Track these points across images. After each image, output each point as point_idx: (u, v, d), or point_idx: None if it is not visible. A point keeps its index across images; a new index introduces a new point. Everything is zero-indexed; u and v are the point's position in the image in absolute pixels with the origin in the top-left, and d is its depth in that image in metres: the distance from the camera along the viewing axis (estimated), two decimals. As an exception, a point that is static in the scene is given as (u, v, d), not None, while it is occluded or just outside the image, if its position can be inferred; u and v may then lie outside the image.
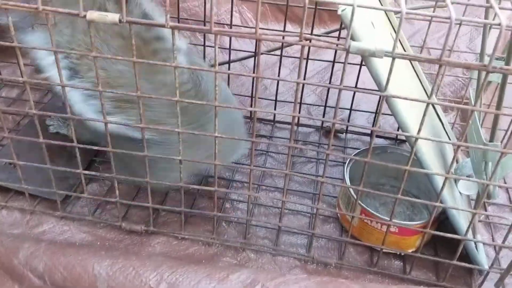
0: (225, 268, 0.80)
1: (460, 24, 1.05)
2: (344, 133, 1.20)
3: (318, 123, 1.22)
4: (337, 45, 0.62)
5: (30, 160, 0.90)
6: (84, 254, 0.79)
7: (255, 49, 0.64)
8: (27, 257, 0.81)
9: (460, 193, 0.98)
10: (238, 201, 1.02)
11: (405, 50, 1.01)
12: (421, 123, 0.67)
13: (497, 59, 0.92)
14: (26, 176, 0.97)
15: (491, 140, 0.84)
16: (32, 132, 0.98)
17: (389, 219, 0.79)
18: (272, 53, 1.17)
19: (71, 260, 0.78)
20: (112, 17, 0.64)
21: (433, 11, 1.04)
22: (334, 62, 1.13)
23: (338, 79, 1.27)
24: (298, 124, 1.21)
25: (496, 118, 0.81)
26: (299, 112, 1.21)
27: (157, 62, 0.69)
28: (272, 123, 1.22)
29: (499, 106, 0.79)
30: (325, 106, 1.20)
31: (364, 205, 0.88)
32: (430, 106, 0.66)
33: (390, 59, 0.62)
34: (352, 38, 0.64)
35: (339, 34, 1.08)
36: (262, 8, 1.44)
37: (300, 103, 1.21)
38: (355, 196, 0.89)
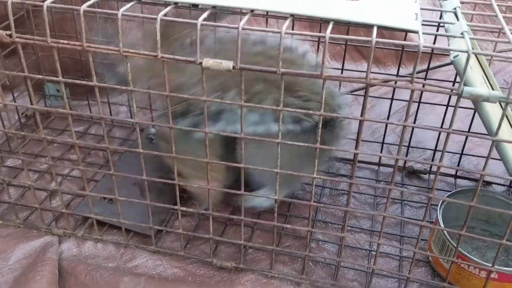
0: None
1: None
2: (427, 174, 1.19)
3: (400, 163, 1.21)
4: (451, 90, 0.62)
5: (123, 195, 0.95)
6: (185, 290, 0.81)
7: (365, 93, 0.65)
8: (128, 291, 0.84)
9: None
10: (323, 241, 1.02)
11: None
12: (533, 167, 0.66)
13: None
14: (121, 211, 1.02)
15: None
16: (123, 169, 1.03)
17: (490, 265, 0.77)
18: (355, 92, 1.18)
19: (172, 295, 0.80)
20: (227, 64, 0.67)
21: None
22: (419, 102, 1.13)
23: (420, 118, 1.26)
24: (380, 164, 1.20)
25: None
26: (381, 152, 1.21)
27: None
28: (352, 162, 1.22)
29: None
30: (409, 146, 1.19)
31: (462, 250, 0.86)
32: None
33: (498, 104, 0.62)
34: (467, 84, 0.65)
35: (426, 75, 1.09)
36: (339, 48, 1.46)
37: (383, 143, 1.20)
38: (451, 241, 0.87)
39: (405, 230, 1.04)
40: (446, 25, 0.70)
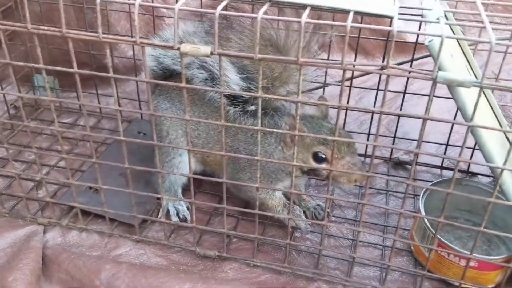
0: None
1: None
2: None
3: (386, 155, 1.21)
4: (426, 74, 0.62)
5: (109, 185, 0.95)
6: (164, 277, 0.81)
7: (342, 79, 0.66)
8: (109, 278, 0.84)
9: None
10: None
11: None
12: (508, 153, 0.66)
13: None
14: (105, 200, 1.02)
15: None
16: (110, 159, 1.04)
17: (469, 253, 0.77)
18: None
19: (152, 282, 0.81)
20: (205, 50, 0.68)
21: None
22: (405, 93, 1.14)
23: (407, 109, 1.27)
24: (366, 155, 1.21)
25: None
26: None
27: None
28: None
29: None
30: (394, 137, 1.19)
31: (442, 239, 0.86)
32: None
33: (474, 89, 0.62)
34: (441, 68, 0.65)
35: (411, 64, 1.09)
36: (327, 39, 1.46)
37: (369, 134, 1.21)
38: (431, 229, 0.88)
39: (389, 220, 1.05)
40: (423, 11, 0.70)
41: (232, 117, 0.93)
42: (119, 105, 1.39)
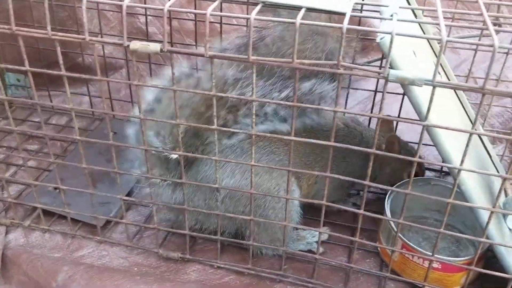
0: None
1: (507, 54, 1.02)
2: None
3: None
4: (378, 73, 0.61)
5: (74, 185, 0.93)
6: (120, 279, 0.80)
7: (296, 78, 0.64)
8: (65, 281, 0.83)
9: (509, 229, 0.93)
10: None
11: (449, 80, 0.99)
12: (464, 154, 0.64)
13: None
14: (70, 201, 1.00)
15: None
16: (77, 159, 1.02)
17: (431, 254, 0.76)
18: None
19: (107, 285, 0.79)
20: (154, 46, 0.66)
21: (479, 40, 1.02)
22: (376, 91, 1.12)
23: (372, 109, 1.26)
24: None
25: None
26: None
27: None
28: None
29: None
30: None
31: (405, 239, 0.85)
32: (476, 137, 0.64)
33: (431, 88, 0.60)
34: (392, 67, 0.63)
35: (381, 63, 1.07)
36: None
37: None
38: (395, 230, 0.86)
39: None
40: (380, 7, 0.69)
41: None
42: (92, 105, 1.38)
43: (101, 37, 1.23)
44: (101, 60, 1.39)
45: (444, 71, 1.00)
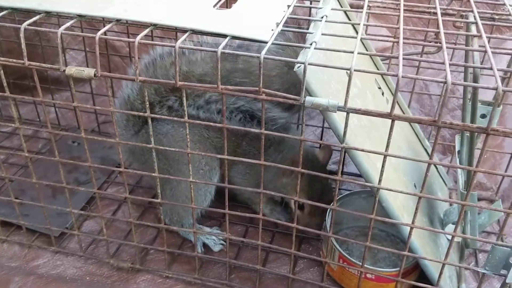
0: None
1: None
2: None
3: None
4: (293, 99, 0.65)
5: (34, 195, 0.97)
6: (65, 290, 0.83)
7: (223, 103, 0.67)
8: (15, 291, 0.86)
9: (447, 239, 0.98)
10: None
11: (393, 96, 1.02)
12: (381, 174, 0.68)
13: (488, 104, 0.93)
14: (29, 211, 1.04)
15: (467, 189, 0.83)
16: (40, 169, 1.05)
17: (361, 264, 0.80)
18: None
19: (53, 295, 0.83)
20: (88, 72, 0.70)
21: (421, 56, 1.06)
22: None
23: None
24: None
25: (468, 173, 0.81)
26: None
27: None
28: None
29: (470, 159, 0.80)
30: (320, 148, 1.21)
31: (341, 250, 0.89)
32: (420, 151, 0.68)
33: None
34: (311, 93, 0.67)
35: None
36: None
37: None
38: (334, 242, 0.90)
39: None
40: (307, 35, 0.72)
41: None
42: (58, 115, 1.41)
43: (64, 53, 1.27)
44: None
45: (388, 88, 1.04)
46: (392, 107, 0.62)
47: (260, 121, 0.92)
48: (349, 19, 0.95)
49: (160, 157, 0.96)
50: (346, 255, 0.88)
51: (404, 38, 0.67)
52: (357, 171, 0.78)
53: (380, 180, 0.69)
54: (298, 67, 0.64)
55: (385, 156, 0.66)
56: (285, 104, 0.74)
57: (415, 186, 0.90)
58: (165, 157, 0.98)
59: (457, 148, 0.95)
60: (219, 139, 1.01)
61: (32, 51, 1.35)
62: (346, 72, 0.60)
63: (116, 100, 1.06)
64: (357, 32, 0.70)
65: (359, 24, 0.72)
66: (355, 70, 0.60)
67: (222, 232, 1.05)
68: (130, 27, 1.14)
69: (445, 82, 0.59)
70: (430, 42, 1.07)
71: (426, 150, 1.10)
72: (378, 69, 1.02)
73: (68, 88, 1.35)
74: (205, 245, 1.03)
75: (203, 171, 1.00)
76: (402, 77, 0.60)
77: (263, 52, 0.63)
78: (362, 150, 0.67)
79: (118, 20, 0.72)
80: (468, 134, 0.91)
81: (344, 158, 0.70)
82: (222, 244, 1.02)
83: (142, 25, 0.74)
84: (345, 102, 0.63)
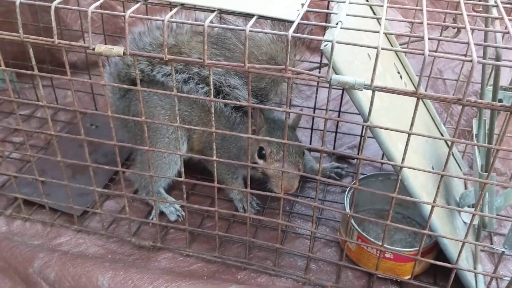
0: (219, 283, 0.84)
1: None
2: (356, 159, 1.23)
3: (330, 149, 1.25)
4: (319, 77, 0.66)
5: (55, 176, 0.99)
6: (91, 266, 0.85)
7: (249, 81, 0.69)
8: (41, 267, 0.88)
9: (464, 222, 0.99)
10: (239, 222, 1.06)
11: (412, 82, 1.03)
12: (405, 152, 0.69)
13: (505, 89, 0.94)
14: (51, 191, 1.05)
15: (486, 170, 0.85)
16: (60, 151, 1.06)
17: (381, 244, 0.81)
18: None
19: (78, 271, 0.85)
20: (117, 50, 0.71)
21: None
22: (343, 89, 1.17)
23: (348, 108, 1.31)
24: (310, 150, 1.24)
25: (488, 151, 0.82)
26: (311, 138, 1.25)
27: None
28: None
29: (490, 139, 0.81)
30: (336, 132, 1.22)
31: (359, 230, 0.90)
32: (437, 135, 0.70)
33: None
34: (336, 72, 0.68)
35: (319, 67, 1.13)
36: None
37: (312, 129, 1.24)
38: (352, 222, 0.92)
39: (324, 213, 1.09)
40: (331, 15, 0.73)
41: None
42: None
43: (83, 37, 1.29)
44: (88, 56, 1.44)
45: (406, 72, 1.05)
46: (418, 85, 0.63)
47: (225, 97, 0.98)
48: (369, 3, 0.96)
49: (135, 123, 1.05)
50: (365, 235, 0.89)
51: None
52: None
53: (403, 159, 0.70)
54: (325, 45, 0.66)
55: (409, 135, 0.68)
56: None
57: (433, 168, 0.91)
58: (140, 123, 1.01)
59: (474, 132, 0.96)
60: (188, 113, 1.05)
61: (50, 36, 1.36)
62: (368, 55, 0.61)
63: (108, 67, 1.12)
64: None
65: (381, 5, 0.73)
66: (382, 49, 0.62)
67: (178, 201, 1.08)
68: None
69: (471, 61, 0.60)
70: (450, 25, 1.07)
71: (442, 134, 1.11)
72: (397, 53, 1.03)
73: (86, 72, 1.36)
74: (162, 213, 1.07)
75: (169, 139, 1.03)
76: (428, 55, 0.61)
77: (291, 30, 0.64)
78: (387, 129, 0.68)
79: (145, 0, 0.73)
80: (485, 118, 0.92)
81: (363, 142, 0.71)
82: (177, 215, 1.06)
83: (170, 4, 0.75)
84: (372, 80, 0.64)
